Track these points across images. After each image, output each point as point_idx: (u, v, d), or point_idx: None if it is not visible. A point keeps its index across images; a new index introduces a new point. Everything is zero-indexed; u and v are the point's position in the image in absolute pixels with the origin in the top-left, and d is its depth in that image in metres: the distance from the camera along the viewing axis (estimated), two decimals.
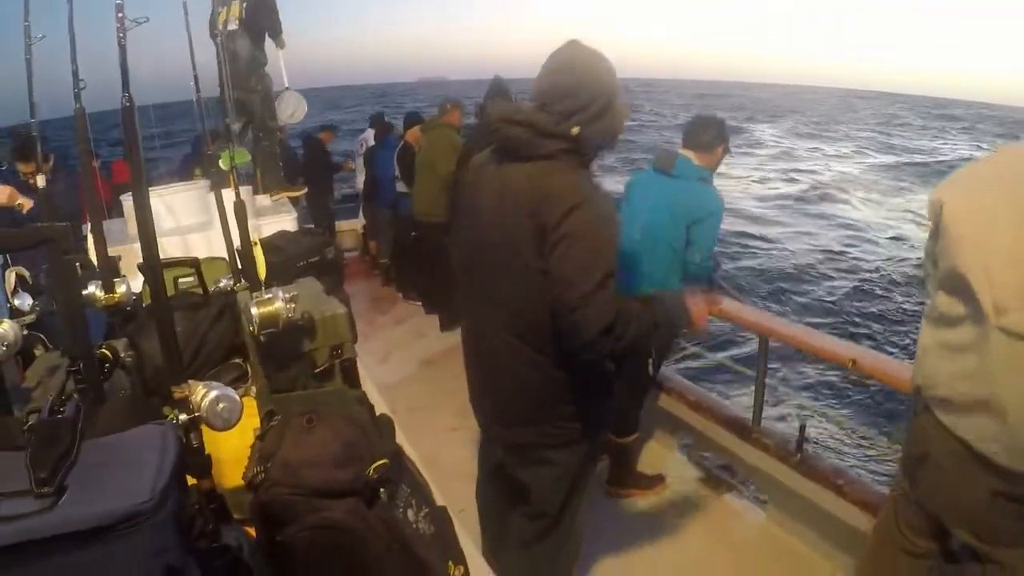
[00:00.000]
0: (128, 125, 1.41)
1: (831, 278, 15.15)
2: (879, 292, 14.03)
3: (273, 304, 1.78)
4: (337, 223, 10.93)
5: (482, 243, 2.47)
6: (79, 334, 1.45)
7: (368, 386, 2.33)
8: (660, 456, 4.66)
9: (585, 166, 2.40)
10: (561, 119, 2.30)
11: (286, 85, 6.44)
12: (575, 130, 2.30)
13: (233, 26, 5.66)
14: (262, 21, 5.80)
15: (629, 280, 3.71)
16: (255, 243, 2.04)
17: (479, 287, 2.55)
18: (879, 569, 2.63)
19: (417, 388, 5.83)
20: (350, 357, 1.97)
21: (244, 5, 5.71)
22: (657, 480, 4.43)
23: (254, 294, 1.83)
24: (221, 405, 1.27)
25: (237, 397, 1.29)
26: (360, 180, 10.28)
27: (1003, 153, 2.23)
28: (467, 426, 4.80)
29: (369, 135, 10.16)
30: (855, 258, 17.42)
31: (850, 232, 20.32)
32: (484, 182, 2.47)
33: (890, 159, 38.64)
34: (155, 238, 1.35)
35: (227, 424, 1.27)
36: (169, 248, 4.08)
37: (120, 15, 1.51)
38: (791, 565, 3.76)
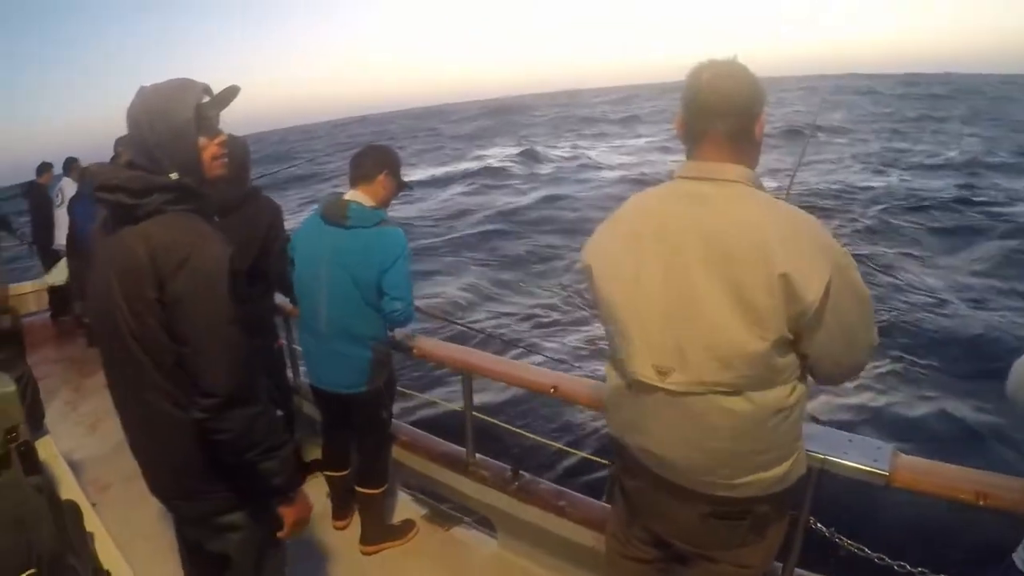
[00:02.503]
0: None
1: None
2: None
3: None
4: (14, 285, 9.82)
5: (112, 319, 2.22)
6: None
7: (59, 466, 2.15)
8: (384, 499, 4.62)
9: (202, 212, 2.26)
10: (156, 168, 2.15)
11: None
12: (173, 176, 2.15)
13: None
14: None
15: (337, 344, 3.67)
16: None
17: (118, 366, 2.32)
18: None
19: (131, 456, 5.40)
20: (25, 440, 1.80)
21: None
22: (408, 527, 4.34)
23: None
24: None
25: None
26: (60, 234, 9.24)
27: (635, 204, 2.22)
28: None
29: (66, 184, 9.40)
30: None
31: None
32: (105, 255, 2.24)
33: None
34: None
35: None
36: None
37: None
38: None
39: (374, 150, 3.76)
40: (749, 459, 2.07)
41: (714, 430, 2.03)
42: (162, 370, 2.19)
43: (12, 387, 1.78)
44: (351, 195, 3.63)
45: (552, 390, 3.35)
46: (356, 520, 4.27)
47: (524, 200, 25.22)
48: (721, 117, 2.00)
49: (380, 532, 4.21)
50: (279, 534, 2.45)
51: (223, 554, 2.56)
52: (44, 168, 10.49)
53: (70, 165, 9.57)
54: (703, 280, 1.93)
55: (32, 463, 1.80)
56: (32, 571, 1.13)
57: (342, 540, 4.25)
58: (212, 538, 2.54)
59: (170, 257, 2.07)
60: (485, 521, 4.23)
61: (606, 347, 2.31)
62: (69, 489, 1.99)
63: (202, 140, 2.19)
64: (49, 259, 9.74)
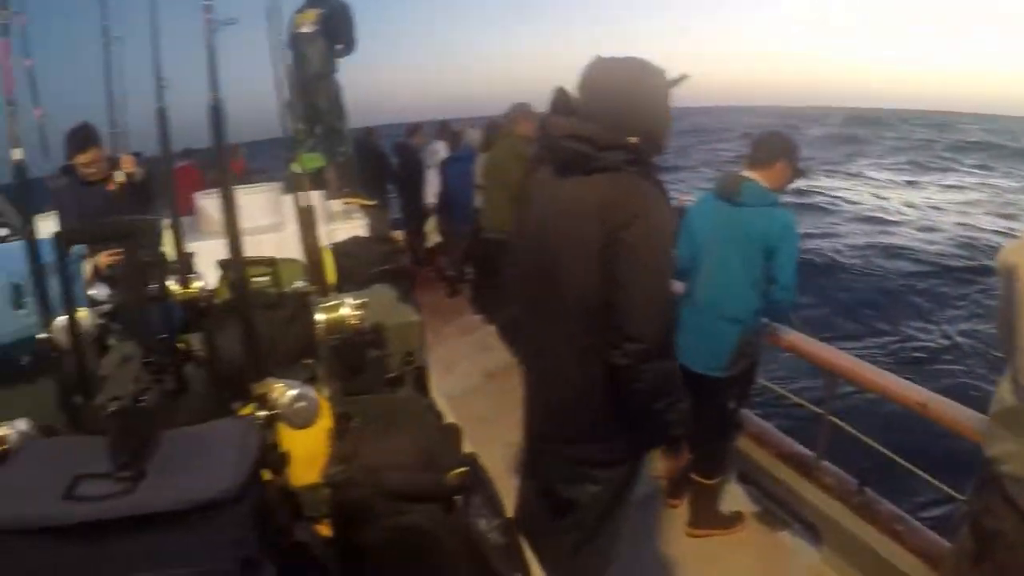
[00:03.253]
0: (216, 125, 1.42)
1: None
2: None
3: (339, 311, 1.78)
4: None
5: (544, 259, 2.44)
6: (156, 327, 1.47)
7: (435, 395, 2.32)
8: (719, 488, 4.60)
9: (648, 176, 2.37)
10: (618, 131, 2.31)
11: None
12: (633, 140, 2.30)
13: (307, 29, 5.71)
14: (338, 30, 5.82)
15: (706, 320, 3.65)
16: (325, 249, 2.04)
17: (541, 303, 2.51)
18: None
19: (480, 400, 5.76)
20: (421, 365, 1.96)
21: (320, 13, 5.75)
22: (737, 519, 4.29)
23: (321, 300, 1.83)
24: (300, 404, 1.26)
25: (316, 397, 1.29)
26: (429, 192, 9.82)
27: None
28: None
29: (440, 146, 9.91)
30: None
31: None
32: (546, 198, 2.46)
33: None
34: (239, 236, 1.36)
35: (306, 423, 1.27)
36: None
37: (208, 16, 1.52)
38: None
39: (775, 136, 3.80)
40: None
41: None
42: (586, 311, 2.33)
43: (416, 317, 1.96)
44: (747, 174, 3.67)
45: (921, 407, 3.19)
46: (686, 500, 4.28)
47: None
48: None
49: (709, 519, 4.18)
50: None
51: (572, 500, 2.67)
52: (415, 129, 10.86)
53: (444, 128, 10.05)
54: None
55: (423, 385, 1.97)
56: (465, 468, 1.24)
57: (671, 516, 4.27)
58: (572, 485, 2.65)
59: (621, 210, 2.23)
60: (812, 528, 4.11)
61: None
62: (447, 416, 2.15)
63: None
64: (414, 215, 10.38)
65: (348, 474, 1.25)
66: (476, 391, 6.06)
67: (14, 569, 0.94)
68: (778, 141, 3.75)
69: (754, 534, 4.23)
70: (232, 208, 1.37)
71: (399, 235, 10.26)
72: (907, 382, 3.51)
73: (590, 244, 2.25)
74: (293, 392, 1.26)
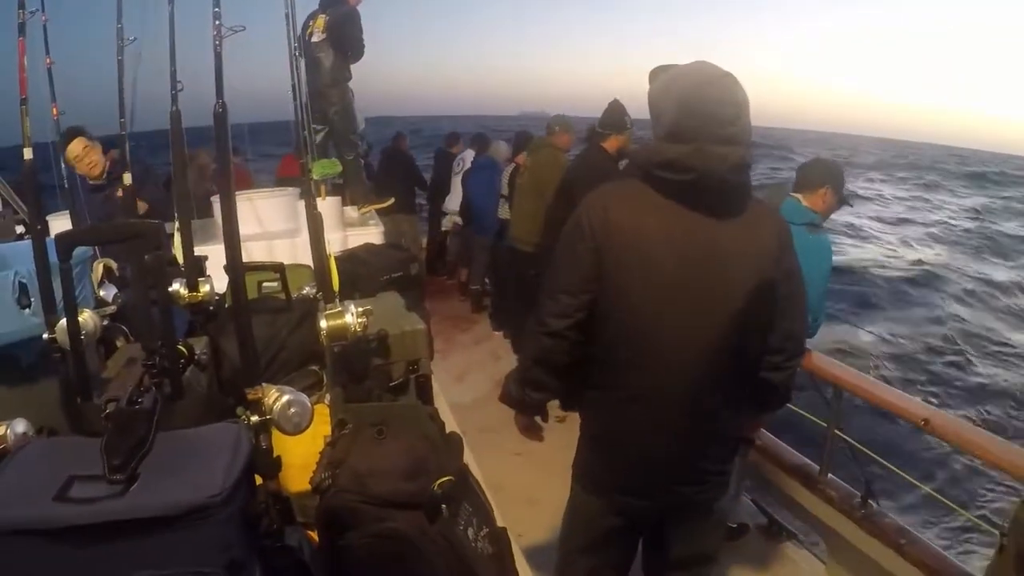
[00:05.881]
0: (220, 131, 1.44)
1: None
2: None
3: (342, 317, 1.79)
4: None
5: (687, 295, 2.20)
6: (160, 329, 1.48)
7: (441, 403, 2.33)
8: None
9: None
10: (747, 152, 2.12)
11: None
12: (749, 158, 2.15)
13: (317, 38, 5.72)
14: (344, 36, 5.81)
15: None
16: (330, 255, 2.05)
17: (681, 342, 2.24)
18: None
19: (488, 410, 5.72)
20: (425, 373, 1.97)
21: (328, 19, 5.75)
22: (742, 531, 4.30)
23: (326, 306, 1.84)
24: (292, 410, 1.28)
25: (308, 403, 1.30)
26: (454, 201, 9.52)
27: None
28: (530, 452, 4.79)
29: (468, 155, 9.43)
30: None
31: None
32: (702, 237, 2.18)
33: None
34: (239, 241, 1.38)
35: (297, 428, 1.28)
36: (255, 252, 4.14)
37: (217, 23, 1.54)
38: None
39: (822, 163, 3.87)
40: None
41: None
42: (747, 355, 2.30)
43: (422, 326, 1.96)
44: (793, 195, 3.73)
45: (923, 422, 3.19)
46: None
47: None
48: None
49: None
50: None
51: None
52: (454, 139, 10.70)
53: (478, 138, 9.81)
54: None
55: (426, 394, 1.98)
56: (450, 477, 1.24)
57: None
58: (701, 530, 2.63)
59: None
60: (817, 541, 4.11)
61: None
62: (450, 424, 2.16)
63: None
64: (435, 220, 10.45)
65: (334, 480, 1.26)
66: (484, 400, 6.06)
67: (3, 570, 0.96)
68: (824, 167, 3.80)
69: (759, 546, 4.24)
70: (232, 214, 1.39)
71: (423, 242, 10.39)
72: (910, 397, 3.52)
73: (770, 276, 2.19)
74: (285, 398, 1.28)
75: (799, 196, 3.68)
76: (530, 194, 6.47)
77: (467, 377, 6.68)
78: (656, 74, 2.33)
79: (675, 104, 2.11)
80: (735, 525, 4.26)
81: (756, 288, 2.15)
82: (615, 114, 5.47)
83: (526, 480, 4.46)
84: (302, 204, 2.63)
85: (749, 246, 2.16)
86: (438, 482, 1.22)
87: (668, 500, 2.49)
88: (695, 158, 2.03)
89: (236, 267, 1.42)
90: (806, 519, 4.11)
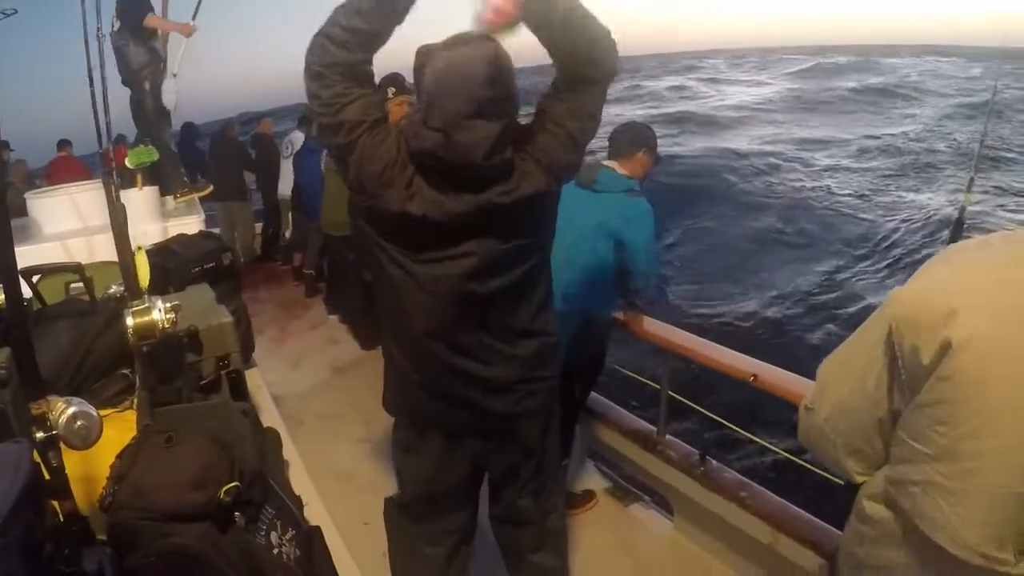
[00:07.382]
0: None
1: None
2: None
3: (150, 314, 1.69)
4: None
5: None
6: None
7: (263, 396, 2.25)
8: (569, 468, 4.65)
9: None
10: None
11: (173, 72, 6.06)
12: None
13: (117, 25, 5.45)
14: (129, 16, 5.53)
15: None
16: (140, 248, 1.95)
17: None
18: None
19: (328, 396, 5.63)
20: (237, 368, 1.89)
21: (117, 5, 5.47)
22: (588, 497, 4.36)
23: (132, 303, 1.74)
24: (79, 423, 1.18)
25: (95, 413, 1.20)
26: (285, 185, 9.33)
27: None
28: (375, 438, 4.72)
29: (296, 137, 9.23)
30: None
31: None
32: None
33: None
34: (11, 240, 1.26)
35: (85, 442, 1.18)
36: (74, 250, 3.92)
37: None
38: (697, 574, 3.77)
39: (632, 127, 3.84)
40: None
41: None
42: None
43: (229, 318, 1.88)
44: (607, 164, 3.70)
45: (752, 378, 3.28)
46: None
47: None
48: None
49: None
50: None
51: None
52: (260, 119, 10.85)
53: (308, 121, 9.51)
54: None
55: (240, 389, 1.90)
56: (235, 484, 1.17)
57: None
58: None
59: None
60: (664, 502, 4.20)
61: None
62: (271, 418, 2.08)
63: None
64: (270, 207, 10.18)
65: (115, 496, 1.18)
66: (323, 387, 5.93)
67: None
68: (635, 131, 3.79)
69: (607, 510, 4.29)
70: (4, 212, 1.27)
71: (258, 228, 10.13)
72: (738, 354, 3.60)
73: None
74: (71, 411, 1.18)
75: (614, 164, 3.69)
76: (336, 177, 6.11)
77: (303, 364, 6.48)
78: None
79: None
80: (581, 492, 4.33)
81: None
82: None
83: (372, 466, 4.39)
84: (124, 194, 2.47)
85: None
86: (223, 489, 1.16)
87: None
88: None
89: (10, 272, 1.29)
90: (649, 480, 4.19)
